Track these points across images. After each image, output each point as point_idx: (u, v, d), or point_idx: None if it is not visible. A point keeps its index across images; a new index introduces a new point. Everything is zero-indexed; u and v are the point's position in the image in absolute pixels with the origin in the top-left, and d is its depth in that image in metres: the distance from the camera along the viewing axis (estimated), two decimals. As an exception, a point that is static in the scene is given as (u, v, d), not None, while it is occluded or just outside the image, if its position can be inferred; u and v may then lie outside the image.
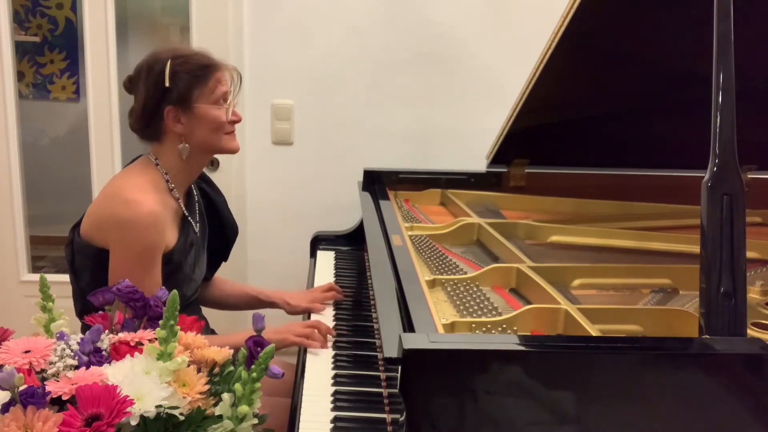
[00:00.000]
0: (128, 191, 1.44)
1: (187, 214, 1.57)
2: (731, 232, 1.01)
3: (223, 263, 1.85)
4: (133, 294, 1.03)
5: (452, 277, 1.46)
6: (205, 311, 1.76)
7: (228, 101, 1.54)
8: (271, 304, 1.84)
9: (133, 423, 0.81)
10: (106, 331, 0.96)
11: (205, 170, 1.83)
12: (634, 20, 1.60)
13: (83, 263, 1.49)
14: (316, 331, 1.53)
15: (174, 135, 1.50)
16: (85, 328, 0.96)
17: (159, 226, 1.44)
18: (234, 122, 1.56)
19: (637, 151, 2.06)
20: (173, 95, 1.47)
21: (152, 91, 1.47)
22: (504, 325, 1.22)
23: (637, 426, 0.98)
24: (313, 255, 2.16)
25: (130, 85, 1.52)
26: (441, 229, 1.79)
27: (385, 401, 1.26)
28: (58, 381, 0.84)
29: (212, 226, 1.73)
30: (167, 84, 1.45)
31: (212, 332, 1.74)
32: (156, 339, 0.88)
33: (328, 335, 1.54)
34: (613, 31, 1.64)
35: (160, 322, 0.88)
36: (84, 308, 1.46)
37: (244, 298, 1.89)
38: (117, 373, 0.85)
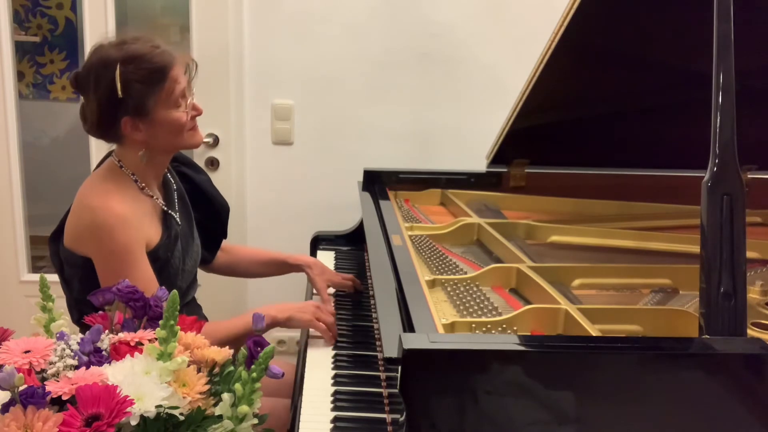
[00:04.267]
0: (92, 198, 1.42)
1: (166, 209, 1.55)
2: (731, 232, 1.01)
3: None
4: (133, 294, 1.03)
5: (452, 277, 1.46)
6: (206, 311, 1.75)
7: (187, 97, 1.47)
8: (298, 268, 1.85)
9: (133, 423, 0.81)
10: (106, 331, 0.96)
11: (205, 169, 1.83)
12: (635, 20, 1.60)
13: (72, 272, 1.47)
14: (334, 326, 1.54)
15: (134, 141, 1.45)
16: (84, 332, 0.96)
17: (131, 225, 1.40)
18: (195, 117, 1.50)
19: (637, 151, 2.06)
20: (128, 106, 1.40)
21: (105, 101, 1.39)
22: (504, 325, 1.22)
23: (637, 426, 0.98)
24: (313, 255, 2.16)
25: (77, 84, 1.44)
26: (441, 229, 1.79)
27: (385, 401, 1.26)
28: (58, 381, 0.84)
29: (202, 208, 1.71)
30: (120, 95, 1.38)
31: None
32: (156, 339, 0.88)
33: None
34: (613, 31, 1.64)
35: (160, 322, 0.88)
36: (80, 316, 1.45)
37: (272, 263, 1.89)
38: (117, 373, 0.85)
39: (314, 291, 1.79)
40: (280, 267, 1.89)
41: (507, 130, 1.96)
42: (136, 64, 1.39)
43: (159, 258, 1.49)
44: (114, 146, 1.53)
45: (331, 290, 1.81)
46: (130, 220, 1.41)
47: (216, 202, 1.76)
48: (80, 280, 1.46)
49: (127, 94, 1.39)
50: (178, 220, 1.58)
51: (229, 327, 1.48)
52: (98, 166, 1.57)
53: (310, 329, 1.60)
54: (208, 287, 1.91)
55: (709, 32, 1.08)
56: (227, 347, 0.95)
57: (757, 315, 1.32)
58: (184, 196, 1.66)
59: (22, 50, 3.64)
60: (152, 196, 1.52)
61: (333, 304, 1.74)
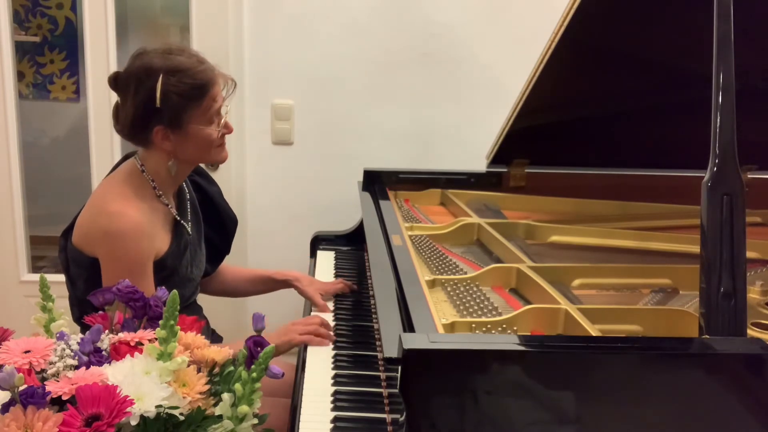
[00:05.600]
0: (111, 202, 1.41)
1: (179, 218, 1.55)
2: (731, 232, 1.01)
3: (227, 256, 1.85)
4: (133, 294, 1.03)
5: (452, 277, 1.46)
6: (206, 311, 1.75)
7: (222, 116, 1.49)
8: (285, 284, 1.84)
9: (133, 423, 0.81)
10: (106, 331, 0.96)
11: (204, 168, 1.83)
12: (634, 20, 1.60)
13: (77, 272, 1.47)
14: (320, 327, 1.53)
15: (162, 150, 1.46)
16: (84, 331, 0.96)
17: (145, 236, 1.41)
18: (224, 134, 1.51)
19: (637, 151, 2.06)
20: (164, 116, 1.41)
21: (141, 107, 1.41)
22: (504, 325, 1.22)
23: (638, 426, 0.98)
24: (313, 255, 2.16)
25: (116, 85, 1.46)
26: (441, 229, 1.79)
27: (385, 401, 1.26)
28: (58, 381, 0.84)
29: (210, 219, 1.71)
30: (158, 104, 1.39)
31: (213, 332, 1.74)
32: (156, 339, 0.88)
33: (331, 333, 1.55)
34: (613, 31, 1.64)
35: (160, 322, 0.88)
36: (81, 314, 1.45)
37: (259, 280, 1.89)
38: (117, 373, 0.85)
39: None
40: (266, 284, 1.88)
41: (507, 130, 1.96)
42: (179, 77, 1.41)
43: (167, 266, 1.48)
44: (123, 148, 1.53)
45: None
46: (145, 230, 1.41)
47: (224, 214, 1.77)
48: (86, 280, 1.46)
49: (165, 105, 1.40)
50: (189, 229, 1.58)
51: None
52: (117, 164, 1.57)
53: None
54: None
55: (709, 32, 1.08)
56: (227, 347, 0.95)
57: (757, 315, 1.32)
58: (196, 205, 1.66)
59: (22, 50, 3.63)
60: (167, 204, 1.52)
61: (332, 305, 1.74)
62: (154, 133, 1.43)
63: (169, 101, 1.40)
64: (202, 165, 1.74)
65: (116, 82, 1.46)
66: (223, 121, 1.49)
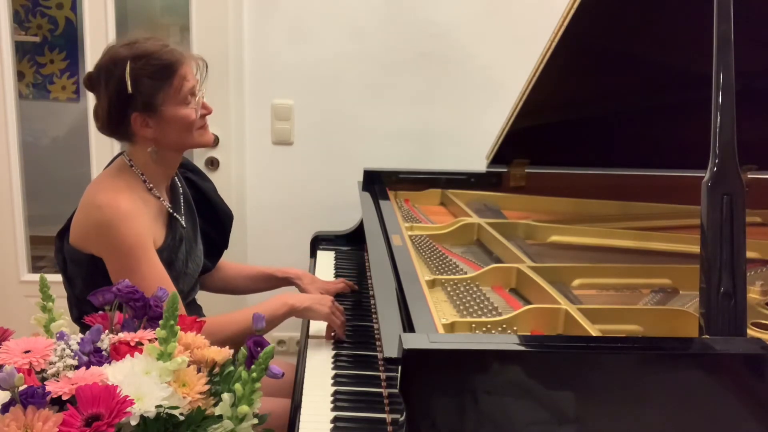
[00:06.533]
0: (100, 196, 1.42)
1: (172, 211, 1.55)
2: (731, 232, 1.01)
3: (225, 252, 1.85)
4: (133, 294, 1.02)
5: (452, 277, 1.46)
6: (206, 311, 1.75)
7: (196, 95, 1.49)
8: (286, 281, 1.85)
9: (133, 423, 0.81)
10: (106, 331, 0.96)
11: (204, 170, 1.83)
12: (635, 20, 1.60)
13: (75, 271, 1.47)
14: (341, 314, 1.56)
15: (144, 138, 1.46)
16: (84, 331, 0.96)
17: (139, 218, 1.41)
18: (204, 115, 1.52)
19: (637, 151, 2.06)
20: (137, 102, 1.42)
21: (115, 98, 1.42)
22: (504, 325, 1.22)
23: (637, 426, 0.98)
24: (313, 255, 2.16)
25: (90, 84, 1.47)
26: (441, 229, 1.79)
27: (385, 401, 1.26)
28: (58, 381, 0.84)
29: (205, 215, 1.72)
30: (130, 90, 1.40)
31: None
32: (156, 339, 0.88)
33: (331, 334, 1.56)
34: (613, 31, 1.64)
35: (160, 322, 0.88)
36: (80, 314, 1.45)
37: (260, 277, 1.89)
38: (117, 373, 0.85)
39: None
40: (268, 281, 1.89)
41: (507, 130, 1.96)
42: (146, 61, 1.42)
43: (162, 260, 1.48)
44: (120, 148, 1.53)
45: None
46: (138, 214, 1.41)
47: (220, 210, 1.77)
48: (84, 278, 1.46)
49: (137, 90, 1.41)
50: (183, 223, 1.58)
51: (233, 323, 1.48)
52: (108, 165, 1.57)
53: (310, 330, 1.60)
54: (208, 287, 1.91)
55: (709, 32, 1.08)
56: (227, 347, 0.95)
57: (757, 315, 1.32)
58: (190, 200, 1.66)
59: (22, 50, 3.64)
60: (159, 198, 1.52)
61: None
62: (133, 120, 1.44)
63: (140, 85, 1.41)
64: (197, 165, 1.74)
65: (89, 80, 1.47)
66: (199, 100, 1.49)
